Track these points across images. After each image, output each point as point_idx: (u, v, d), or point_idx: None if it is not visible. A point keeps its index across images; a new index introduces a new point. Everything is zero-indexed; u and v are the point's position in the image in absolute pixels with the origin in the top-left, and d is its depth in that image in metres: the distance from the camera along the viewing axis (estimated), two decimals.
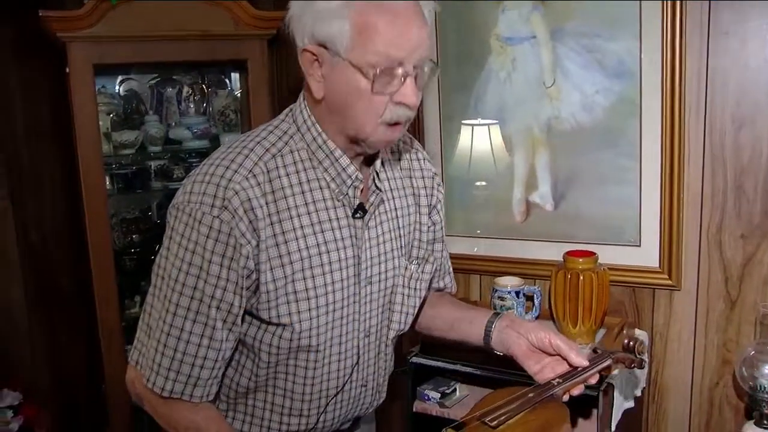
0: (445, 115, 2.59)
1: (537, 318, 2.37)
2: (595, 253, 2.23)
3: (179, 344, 1.30)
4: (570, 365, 1.43)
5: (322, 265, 1.37)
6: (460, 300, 2.25)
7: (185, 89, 2.99)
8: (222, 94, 2.99)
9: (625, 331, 2.24)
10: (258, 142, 1.37)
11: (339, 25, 1.22)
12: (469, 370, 2.26)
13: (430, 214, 1.62)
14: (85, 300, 2.80)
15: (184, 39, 2.58)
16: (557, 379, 1.38)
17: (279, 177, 1.34)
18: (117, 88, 3.02)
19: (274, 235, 1.32)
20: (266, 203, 1.31)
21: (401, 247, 1.54)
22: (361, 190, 1.42)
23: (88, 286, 2.66)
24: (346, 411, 1.53)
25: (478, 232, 2.61)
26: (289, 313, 1.35)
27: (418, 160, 1.63)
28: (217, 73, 3.07)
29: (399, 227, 1.53)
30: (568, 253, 2.25)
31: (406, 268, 1.54)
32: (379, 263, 1.48)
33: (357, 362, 1.50)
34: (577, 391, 1.41)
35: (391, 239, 1.51)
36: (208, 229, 1.27)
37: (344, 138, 1.35)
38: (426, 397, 2.35)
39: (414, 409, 2.37)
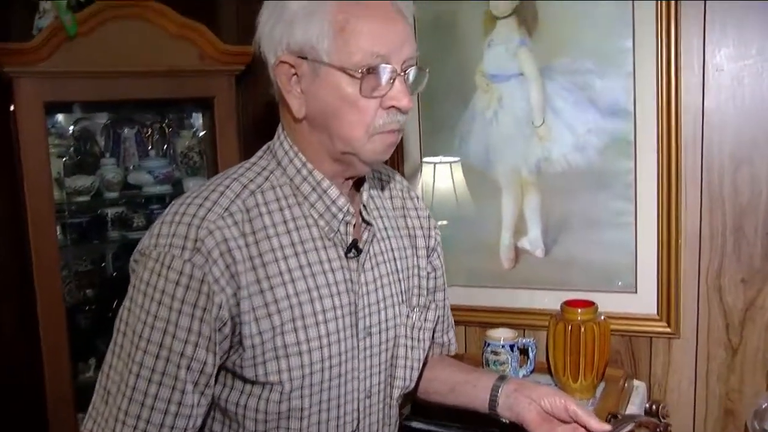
0: (426, 155, 2.45)
1: (532, 372, 2.24)
2: (594, 303, 2.12)
3: (143, 411, 1.12)
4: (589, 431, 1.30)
5: (314, 313, 1.22)
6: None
7: (145, 129, 2.79)
8: (185, 135, 2.81)
9: (625, 383, 2.13)
10: (235, 179, 1.23)
11: (317, 25, 1.13)
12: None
13: (429, 257, 1.49)
14: (32, 362, 2.54)
15: (147, 75, 2.39)
16: None
17: (260, 215, 1.21)
18: (70, 128, 2.80)
19: (258, 280, 1.17)
20: (246, 245, 1.17)
21: (402, 292, 1.39)
22: (353, 226, 1.28)
23: (36, 346, 2.41)
24: None
25: (462, 279, 2.47)
26: (279, 371, 1.20)
27: (411, 198, 1.51)
28: (178, 111, 2.89)
29: (398, 270, 1.39)
30: (567, 303, 2.13)
31: (407, 316, 1.39)
32: (379, 311, 1.33)
33: (357, 428, 1.33)
34: None
35: (390, 283, 1.36)
36: (177, 275, 1.12)
37: (332, 161, 1.24)
38: None
39: None
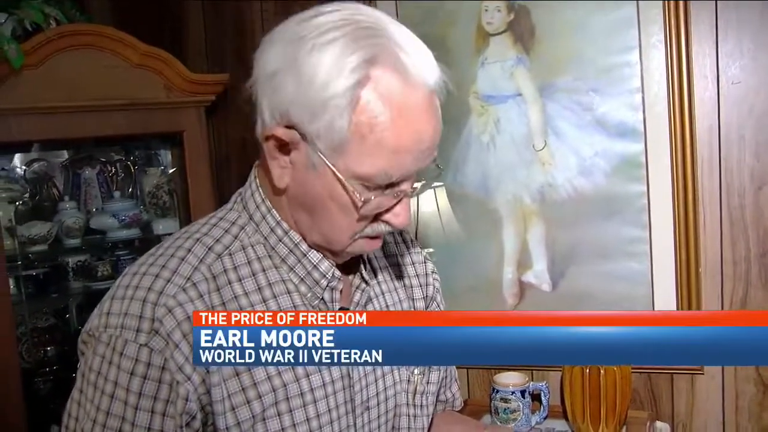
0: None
1: (545, 419, 2.05)
2: None
3: None
4: None
5: (301, 394, 1.02)
6: None
7: (108, 168, 2.57)
8: (152, 173, 2.59)
9: (650, 426, 1.95)
10: (197, 240, 1.02)
11: (333, 120, 0.89)
12: None
13: (428, 308, 1.28)
14: None
15: (108, 109, 2.17)
16: None
17: (229, 284, 1.00)
18: (22, 170, 2.56)
19: None
20: None
21: None
22: (341, 291, 1.08)
23: None
24: None
25: None
26: None
27: (404, 242, 1.30)
28: (144, 147, 2.67)
29: None
30: None
31: (408, 380, 1.19)
32: (376, 380, 1.13)
33: None
34: None
35: None
36: (132, 364, 0.92)
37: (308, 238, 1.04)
38: None
39: None
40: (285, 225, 1.04)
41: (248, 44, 2.50)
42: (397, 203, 0.99)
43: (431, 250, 2.17)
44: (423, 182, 1.02)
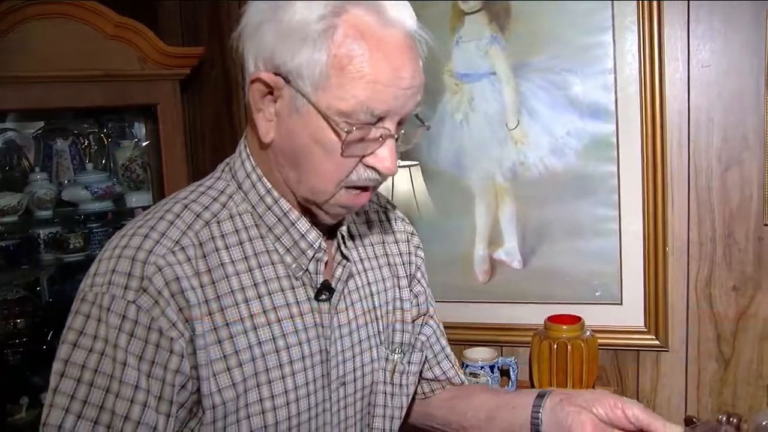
0: None
1: None
2: (580, 318, 1.97)
3: None
4: None
5: (280, 365, 1.03)
6: None
7: (80, 140, 2.54)
8: (126, 146, 2.56)
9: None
10: (186, 206, 1.03)
11: (314, 53, 0.91)
12: None
13: (410, 285, 1.28)
14: None
15: (82, 81, 2.15)
16: None
17: (216, 251, 1.01)
18: None
19: (215, 328, 0.98)
20: (201, 285, 0.98)
21: (379, 332, 1.19)
22: (325, 264, 1.09)
23: None
24: None
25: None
26: None
27: (390, 220, 1.30)
28: (119, 120, 2.64)
29: (375, 307, 1.19)
30: (550, 319, 1.98)
31: (387, 359, 1.20)
32: (354, 357, 1.14)
33: None
34: None
35: (367, 323, 1.17)
36: (119, 320, 0.92)
37: (295, 198, 1.05)
38: None
39: None
40: (275, 193, 1.05)
41: (223, 18, 2.48)
42: (382, 148, 0.98)
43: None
44: (408, 146, 1.02)
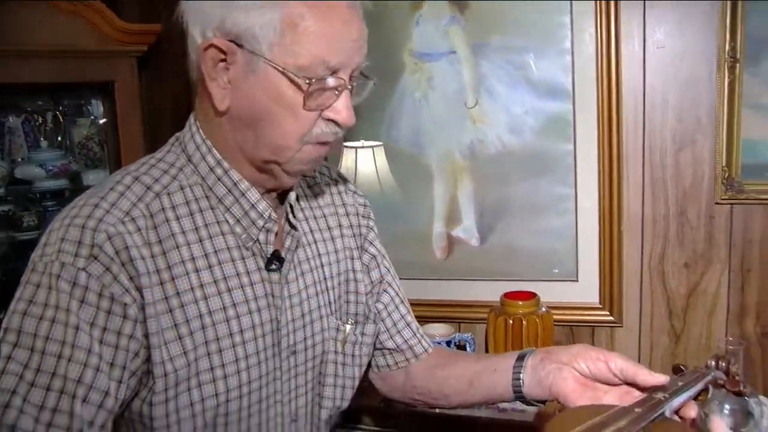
0: (349, 139, 2.27)
1: None
2: (536, 294, 2.00)
3: None
4: (643, 390, 1.03)
5: (231, 334, 1.05)
6: None
7: (35, 117, 2.49)
8: (82, 123, 2.52)
9: None
10: (136, 179, 1.04)
11: (266, 12, 0.94)
12: None
13: (362, 257, 1.29)
14: None
15: (37, 56, 2.11)
16: (663, 395, 0.98)
17: (166, 222, 1.02)
18: None
19: (165, 298, 0.99)
20: (152, 256, 0.99)
21: (330, 302, 1.21)
22: (275, 234, 1.10)
23: None
24: None
25: None
26: (191, 404, 1.01)
27: (340, 193, 1.31)
28: (75, 97, 2.60)
29: (326, 277, 1.21)
30: (506, 295, 2.01)
31: (338, 329, 1.21)
32: (304, 326, 1.15)
33: None
34: (693, 413, 1.01)
35: (318, 293, 1.18)
36: (70, 287, 0.92)
37: (252, 167, 1.06)
38: None
39: None
40: (226, 164, 1.05)
41: None
42: (339, 101, 1.01)
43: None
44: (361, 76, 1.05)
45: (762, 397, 1.13)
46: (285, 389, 1.14)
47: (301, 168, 1.07)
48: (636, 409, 0.92)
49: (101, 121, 2.58)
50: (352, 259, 1.27)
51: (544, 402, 1.18)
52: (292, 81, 0.96)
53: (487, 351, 2.05)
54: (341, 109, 1.01)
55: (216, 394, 1.03)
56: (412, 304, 2.23)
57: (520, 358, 1.17)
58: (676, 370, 1.09)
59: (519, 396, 1.17)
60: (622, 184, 2.05)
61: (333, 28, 0.96)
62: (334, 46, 0.97)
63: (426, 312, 2.22)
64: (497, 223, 2.18)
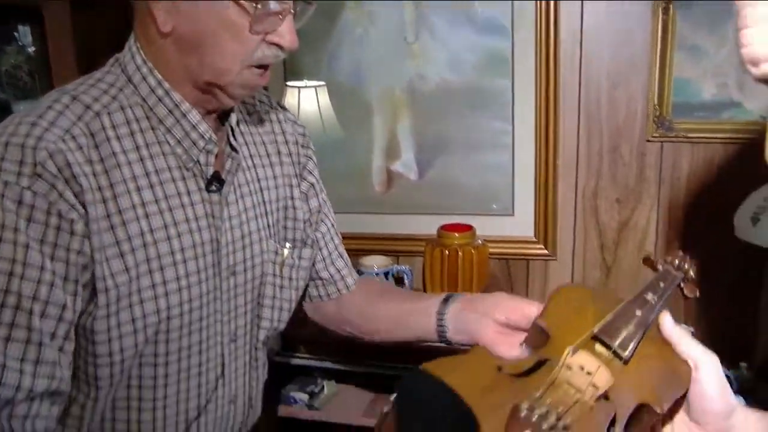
0: (292, 75, 2.25)
1: None
2: (472, 227, 2.04)
3: None
4: None
5: (172, 252, 1.06)
6: None
7: None
8: (10, 51, 2.42)
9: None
10: (75, 98, 1.01)
11: None
12: (337, 366, 2.00)
13: (301, 185, 1.31)
14: None
15: None
16: (652, 297, 0.93)
17: (107, 140, 1.01)
18: None
19: (108, 215, 0.99)
20: (94, 174, 0.98)
21: (269, 226, 1.23)
22: (216, 156, 1.10)
23: None
24: None
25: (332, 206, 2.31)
26: (132, 319, 1.02)
27: (280, 121, 1.31)
28: (1, 23, 2.49)
29: (265, 201, 1.22)
30: (443, 228, 2.04)
31: (276, 252, 1.23)
32: (243, 248, 1.17)
33: (222, 373, 1.18)
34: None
35: (257, 217, 1.20)
36: (15, 206, 0.91)
37: (194, 89, 1.06)
38: (292, 400, 2.05)
39: (279, 414, 2.05)
40: (167, 85, 1.05)
41: None
42: (283, 25, 1.01)
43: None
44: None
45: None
46: (225, 309, 1.15)
47: (242, 92, 1.07)
48: (637, 311, 0.90)
49: (30, 50, 2.48)
50: (291, 186, 1.28)
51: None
52: (238, 4, 0.96)
53: (423, 282, 2.09)
54: (285, 33, 1.01)
55: (157, 311, 1.04)
56: (352, 238, 2.29)
57: (444, 302, 1.22)
58: (646, 261, 1.09)
59: (444, 340, 1.22)
60: (558, 120, 2.09)
61: None
62: None
63: (365, 245, 2.25)
64: (436, 158, 2.20)
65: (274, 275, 1.23)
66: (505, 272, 2.24)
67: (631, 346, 0.83)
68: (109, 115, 1.02)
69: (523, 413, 0.68)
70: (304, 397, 2.05)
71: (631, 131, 2.06)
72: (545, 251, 2.17)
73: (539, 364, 0.79)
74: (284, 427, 2.07)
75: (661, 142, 2.05)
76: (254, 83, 1.06)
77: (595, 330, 0.83)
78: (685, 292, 1.04)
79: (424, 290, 2.09)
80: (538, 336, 0.89)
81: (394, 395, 0.67)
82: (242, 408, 1.25)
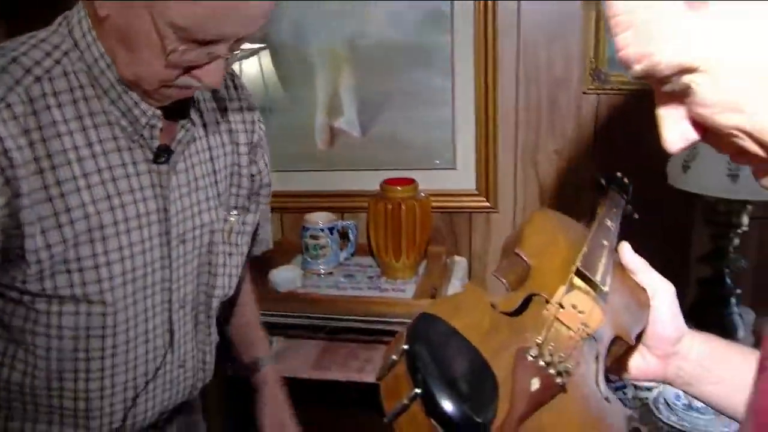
0: None
1: (353, 255, 2.18)
2: (414, 180, 2.07)
3: None
4: None
5: (116, 223, 1.05)
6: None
7: None
8: None
9: (446, 260, 2.12)
10: (14, 59, 0.98)
11: None
12: (287, 320, 2.02)
13: (250, 153, 1.32)
14: None
15: None
16: (609, 223, 0.96)
17: (48, 108, 0.98)
18: None
19: (45, 187, 0.98)
20: (30, 144, 0.96)
21: (218, 195, 1.24)
22: (161, 129, 1.09)
23: None
24: (162, 400, 1.22)
25: (276, 164, 2.29)
26: (71, 285, 1.03)
27: (228, 87, 1.30)
28: None
29: (214, 171, 1.23)
30: (386, 182, 2.07)
31: (225, 220, 1.25)
32: (192, 216, 1.17)
33: (171, 340, 1.19)
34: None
35: (207, 186, 1.20)
36: None
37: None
38: None
39: (228, 373, 2.06)
40: (108, 59, 1.01)
41: None
42: (209, 66, 0.98)
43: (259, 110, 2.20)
44: (245, 50, 1.03)
45: None
46: (174, 277, 1.16)
47: (165, 101, 1.06)
48: (604, 241, 0.91)
49: None
50: (239, 154, 1.29)
51: None
52: (161, 38, 0.92)
53: (368, 236, 2.12)
54: (209, 71, 0.99)
55: (99, 280, 1.04)
56: (297, 195, 2.32)
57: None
58: (597, 184, 1.10)
59: None
60: (496, 75, 2.12)
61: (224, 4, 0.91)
62: (219, 22, 0.92)
63: (310, 203, 2.27)
64: (378, 115, 2.22)
65: (223, 243, 1.24)
66: (448, 225, 2.28)
67: (609, 280, 0.84)
68: (51, 81, 0.99)
69: (530, 359, 0.69)
70: None
71: (568, 84, 2.11)
72: (487, 204, 2.22)
73: (528, 300, 0.79)
74: (233, 385, 2.09)
75: (597, 94, 2.09)
76: (177, 96, 1.04)
77: (579, 265, 0.83)
78: (626, 211, 1.05)
79: (369, 244, 2.12)
80: (517, 267, 0.87)
81: (404, 347, 0.65)
82: (192, 372, 1.27)
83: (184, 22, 0.91)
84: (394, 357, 0.65)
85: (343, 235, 2.15)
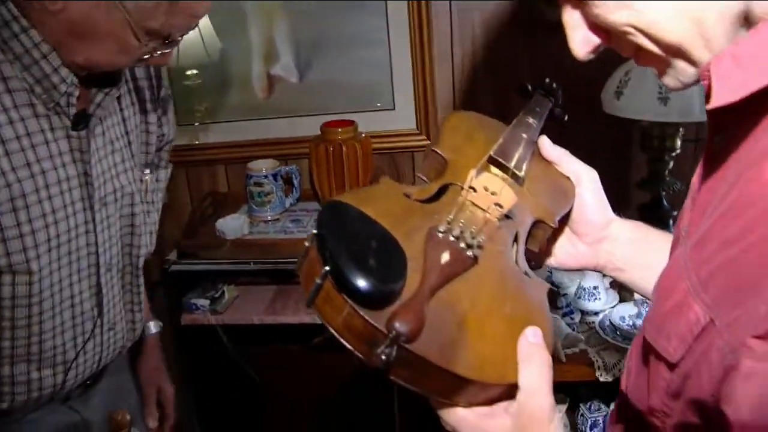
0: None
1: (298, 200, 2.19)
2: (354, 122, 2.09)
3: None
4: None
5: (37, 190, 1.05)
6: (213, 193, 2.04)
7: None
8: None
9: None
10: None
11: None
12: (236, 267, 2.04)
13: (157, 111, 1.32)
14: None
15: None
16: (532, 120, 0.95)
17: None
18: None
19: None
20: None
21: (132, 156, 1.24)
22: (78, 97, 1.08)
23: None
24: (92, 363, 1.23)
25: (217, 116, 2.31)
26: None
27: None
28: None
29: (126, 132, 1.23)
30: (326, 125, 2.08)
31: (141, 180, 1.26)
32: (112, 178, 1.18)
33: (100, 303, 1.20)
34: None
35: (121, 148, 1.21)
36: None
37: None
38: (194, 307, 2.08)
39: (182, 323, 2.09)
40: (25, 22, 0.99)
41: None
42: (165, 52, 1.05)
43: (195, 71, 2.22)
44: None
45: None
46: (100, 240, 1.16)
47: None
48: (523, 134, 0.92)
49: None
50: (147, 111, 1.29)
51: None
52: (134, 33, 0.98)
53: (311, 180, 2.13)
54: (166, 54, 1.05)
55: (24, 249, 1.04)
56: (238, 145, 2.32)
57: None
58: (522, 89, 1.09)
59: None
60: (430, 12, 2.12)
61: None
62: (188, 21, 1.01)
63: (252, 152, 2.27)
64: (315, 59, 2.22)
65: (142, 202, 1.26)
66: (391, 166, 2.30)
67: (524, 166, 0.86)
68: None
69: (441, 236, 0.70)
70: (206, 303, 2.08)
71: (502, 18, 2.11)
72: (428, 142, 2.24)
73: (443, 189, 0.81)
74: (186, 335, 2.11)
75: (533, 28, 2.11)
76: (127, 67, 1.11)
77: (492, 152, 0.86)
78: (555, 113, 1.05)
79: (313, 188, 2.14)
80: (435, 163, 0.89)
81: (314, 232, 0.66)
82: (122, 333, 1.29)
83: (161, 28, 0.99)
84: (307, 243, 0.67)
85: (288, 181, 2.16)
